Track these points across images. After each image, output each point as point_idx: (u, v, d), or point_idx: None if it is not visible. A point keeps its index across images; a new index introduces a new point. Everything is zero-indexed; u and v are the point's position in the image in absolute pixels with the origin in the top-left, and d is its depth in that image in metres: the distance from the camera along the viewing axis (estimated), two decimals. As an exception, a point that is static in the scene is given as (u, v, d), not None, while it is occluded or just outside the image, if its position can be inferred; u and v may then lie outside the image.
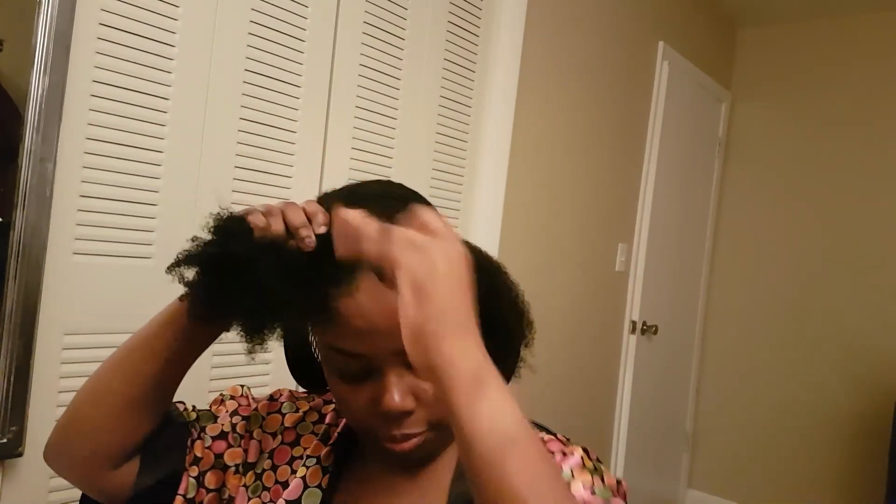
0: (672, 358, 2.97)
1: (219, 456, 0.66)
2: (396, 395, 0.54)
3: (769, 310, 3.05)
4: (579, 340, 2.33)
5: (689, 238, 3.02)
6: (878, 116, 2.83)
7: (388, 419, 0.55)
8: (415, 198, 0.59)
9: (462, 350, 0.43)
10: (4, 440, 1.02)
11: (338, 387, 0.58)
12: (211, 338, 0.63)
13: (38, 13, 1.00)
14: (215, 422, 0.68)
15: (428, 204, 0.57)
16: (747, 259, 3.14)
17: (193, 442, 0.65)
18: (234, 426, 0.67)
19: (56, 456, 0.64)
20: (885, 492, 2.41)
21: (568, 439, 0.62)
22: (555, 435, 0.64)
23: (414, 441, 0.56)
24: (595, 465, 0.58)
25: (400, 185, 0.61)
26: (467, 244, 0.58)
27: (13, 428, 1.02)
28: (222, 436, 0.67)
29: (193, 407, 0.70)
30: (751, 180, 3.15)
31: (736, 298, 3.16)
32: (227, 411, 0.69)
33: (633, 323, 2.62)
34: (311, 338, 0.64)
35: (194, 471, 0.64)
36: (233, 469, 0.66)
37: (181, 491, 0.63)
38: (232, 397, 0.71)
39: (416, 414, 0.56)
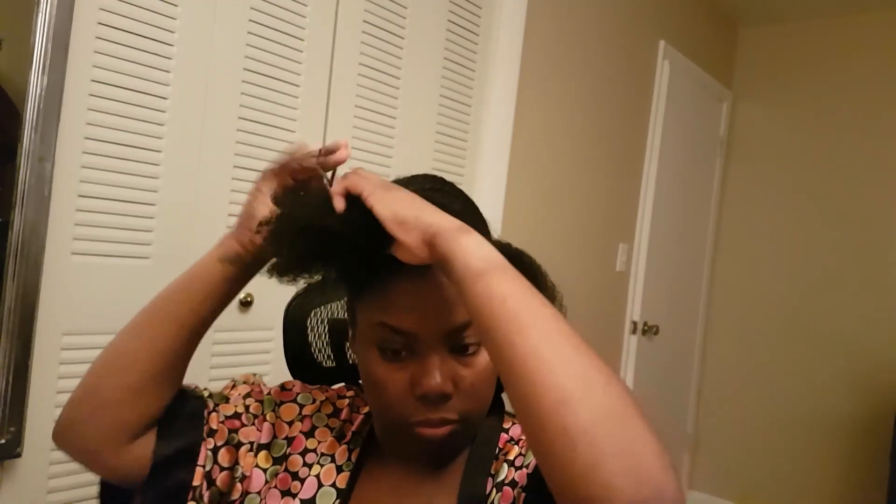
0: (673, 359, 2.96)
1: (233, 431, 0.64)
2: (438, 376, 0.55)
3: (770, 310, 3.04)
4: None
5: (690, 238, 3.01)
6: (879, 115, 2.82)
7: (425, 402, 0.56)
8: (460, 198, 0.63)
9: (477, 242, 0.49)
10: (3, 441, 1.02)
11: (377, 367, 0.58)
12: (232, 297, 0.63)
13: (37, 12, 1.00)
14: (227, 402, 0.67)
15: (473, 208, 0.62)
16: (749, 259, 3.13)
17: (210, 413, 0.64)
18: (247, 407, 0.66)
19: (70, 434, 0.61)
20: (886, 493, 2.40)
21: None
22: None
23: (447, 428, 0.57)
24: None
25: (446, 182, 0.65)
26: (509, 246, 0.62)
27: (12, 429, 1.02)
28: (235, 416, 0.65)
29: (206, 388, 0.69)
30: (752, 180, 3.15)
31: (737, 299, 3.15)
32: (239, 394, 0.68)
33: (634, 323, 2.61)
34: (313, 328, 0.68)
35: (210, 443, 0.62)
36: (247, 447, 0.64)
37: (201, 461, 0.61)
38: (244, 382, 0.70)
39: (452, 400, 0.56)
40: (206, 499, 0.61)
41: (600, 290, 2.44)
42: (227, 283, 0.61)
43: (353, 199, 0.54)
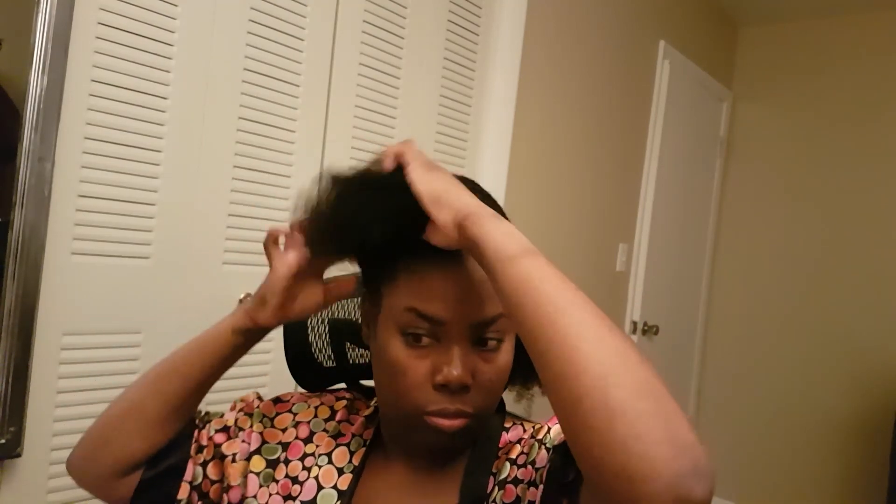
0: (673, 358, 2.96)
1: (218, 446, 0.67)
2: (457, 367, 0.55)
3: (770, 310, 3.04)
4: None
5: (690, 238, 3.01)
6: (879, 115, 2.82)
7: (444, 391, 0.56)
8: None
9: (509, 227, 0.50)
10: (3, 441, 1.02)
11: (398, 352, 0.58)
12: (238, 358, 0.68)
13: (37, 12, 1.00)
14: (221, 416, 0.71)
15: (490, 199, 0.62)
16: (749, 259, 3.13)
17: (199, 432, 0.68)
18: (235, 420, 0.69)
19: (81, 471, 0.68)
20: (885, 493, 2.40)
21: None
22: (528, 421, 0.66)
23: (461, 421, 0.57)
24: None
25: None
26: None
27: (12, 428, 1.02)
28: (224, 429, 0.68)
29: (206, 410, 0.73)
30: (752, 180, 3.15)
31: (737, 299, 3.15)
32: (234, 410, 0.71)
33: (634, 323, 2.61)
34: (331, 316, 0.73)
35: (199, 458, 0.67)
36: (230, 458, 0.66)
37: (187, 478, 0.66)
38: (242, 400, 0.73)
39: (470, 393, 0.57)
40: None
41: (600, 290, 2.44)
42: (236, 350, 0.67)
43: (397, 170, 0.56)
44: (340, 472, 0.64)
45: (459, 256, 0.56)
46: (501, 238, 0.49)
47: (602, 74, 2.29)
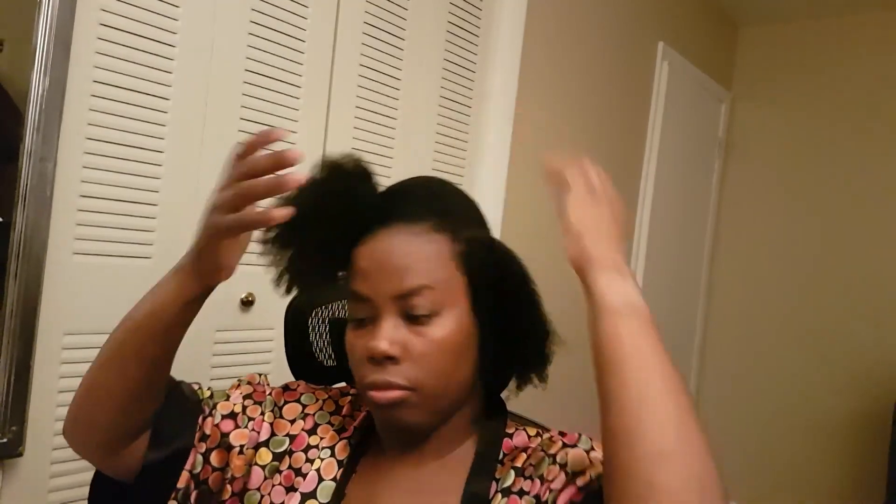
0: (672, 358, 2.96)
1: (225, 435, 0.66)
2: (384, 339, 0.58)
3: (769, 310, 3.05)
4: (579, 340, 2.32)
5: (689, 238, 3.02)
6: (878, 116, 2.83)
7: (373, 363, 0.58)
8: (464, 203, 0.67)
9: (623, 282, 0.53)
10: (4, 440, 1.02)
11: (349, 336, 0.62)
12: (201, 303, 0.64)
13: (39, 13, 1.00)
14: (227, 400, 0.69)
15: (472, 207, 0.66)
16: (747, 259, 3.14)
17: (204, 419, 0.66)
18: (244, 408, 0.68)
19: (71, 439, 0.68)
20: (885, 492, 2.41)
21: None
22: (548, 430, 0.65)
23: (393, 394, 0.58)
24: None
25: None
26: (503, 246, 0.62)
27: (13, 428, 1.02)
28: (231, 415, 0.67)
29: (209, 388, 0.71)
30: (751, 180, 3.15)
31: (736, 299, 3.15)
32: (240, 393, 0.70)
33: (633, 323, 2.61)
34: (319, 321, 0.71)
35: (202, 447, 0.65)
36: (237, 449, 0.66)
37: (188, 466, 0.64)
38: (248, 383, 0.72)
39: (400, 366, 0.58)
40: (192, 498, 0.64)
41: (599, 290, 2.44)
42: (191, 317, 0.63)
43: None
44: (341, 465, 0.65)
45: (383, 236, 0.59)
46: (609, 291, 0.52)
47: (601, 75, 2.29)
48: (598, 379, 0.48)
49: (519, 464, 0.60)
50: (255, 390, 0.70)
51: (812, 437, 2.89)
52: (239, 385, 0.71)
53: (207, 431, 0.66)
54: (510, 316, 0.61)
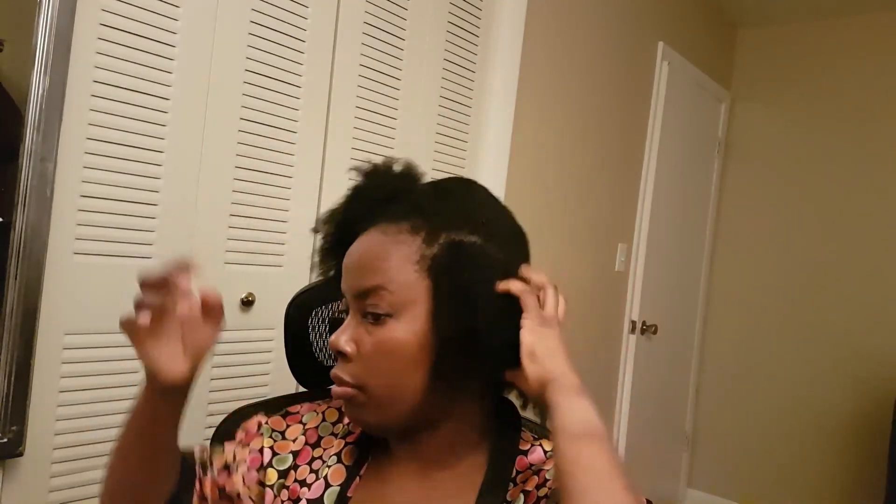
0: (672, 357, 2.97)
1: (222, 489, 0.66)
2: (341, 334, 0.60)
3: (769, 309, 3.05)
4: (579, 340, 2.33)
5: (688, 238, 3.02)
6: (877, 116, 2.83)
7: (335, 358, 0.61)
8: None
9: (583, 406, 0.55)
10: (5, 440, 1.02)
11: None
12: (180, 405, 0.60)
13: (39, 13, 1.00)
14: (222, 451, 0.68)
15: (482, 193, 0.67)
16: (747, 259, 3.14)
17: (203, 480, 0.66)
18: (234, 454, 0.67)
19: None
20: (884, 491, 2.41)
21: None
22: None
23: (342, 390, 0.60)
24: None
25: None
26: (486, 254, 0.60)
27: (13, 428, 1.03)
28: (226, 468, 0.67)
29: (210, 447, 0.71)
30: (750, 180, 3.15)
31: (736, 298, 3.16)
32: (235, 442, 0.69)
33: (633, 322, 2.62)
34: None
35: None
36: (237, 495, 0.66)
37: None
38: (243, 429, 0.70)
39: (351, 363, 0.60)
40: None
41: (599, 290, 2.45)
42: (176, 416, 0.60)
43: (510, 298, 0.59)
44: (348, 469, 0.65)
45: (363, 236, 0.62)
46: (570, 414, 0.54)
47: (601, 75, 2.29)
48: (561, 496, 0.51)
49: (529, 487, 0.59)
50: (246, 434, 0.69)
51: (812, 437, 2.89)
52: (237, 435, 0.71)
53: (207, 492, 0.66)
54: (469, 327, 0.57)
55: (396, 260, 0.58)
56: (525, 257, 0.65)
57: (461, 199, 0.63)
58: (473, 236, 0.59)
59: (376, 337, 0.58)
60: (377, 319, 0.59)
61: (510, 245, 0.63)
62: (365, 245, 0.61)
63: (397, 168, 0.65)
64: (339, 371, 0.60)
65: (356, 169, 0.66)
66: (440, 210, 0.61)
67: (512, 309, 0.59)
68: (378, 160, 0.66)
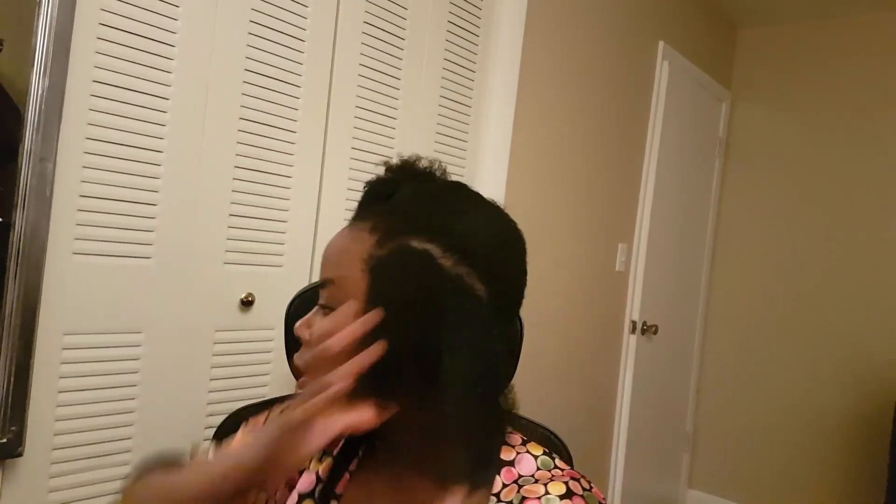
0: (672, 358, 2.96)
1: None
2: (300, 321, 0.62)
3: (769, 309, 3.05)
4: (579, 340, 2.33)
5: (689, 238, 3.02)
6: (878, 116, 2.83)
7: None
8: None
9: None
10: (4, 440, 1.02)
11: None
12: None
13: (38, 13, 1.00)
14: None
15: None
16: (748, 259, 3.14)
17: None
18: None
19: None
20: (885, 491, 2.41)
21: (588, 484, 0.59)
22: (570, 466, 0.62)
23: (301, 377, 0.60)
24: None
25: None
26: (430, 268, 0.57)
27: (13, 428, 1.03)
28: None
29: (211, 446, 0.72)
30: (751, 180, 3.15)
31: (736, 298, 3.15)
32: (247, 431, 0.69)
33: (634, 323, 2.62)
34: None
35: None
36: None
37: None
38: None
39: (305, 350, 0.61)
40: None
41: (600, 290, 2.44)
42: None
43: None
44: (337, 463, 0.65)
45: (339, 230, 0.62)
46: None
47: (602, 75, 2.29)
48: None
49: (506, 499, 0.57)
50: (255, 426, 0.69)
51: (813, 438, 2.89)
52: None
53: None
54: (393, 336, 0.54)
55: (349, 256, 0.58)
56: (516, 267, 0.62)
57: (440, 205, 0.60)
58: (430, 244, 0.56)
59: (316, 325, 0.60)
60: (327, 311, 0.60)
61: (485, 259, 0.58)
62: (333, 239, 0.62)
63: (421, 165, 0.65)
64: (296, 357, 0.61)
65: (384, 164, 0.67)
66: (409, 214, 0.58)
67: (434, 327, 0.54)
68: (408, 155, 0.67)
